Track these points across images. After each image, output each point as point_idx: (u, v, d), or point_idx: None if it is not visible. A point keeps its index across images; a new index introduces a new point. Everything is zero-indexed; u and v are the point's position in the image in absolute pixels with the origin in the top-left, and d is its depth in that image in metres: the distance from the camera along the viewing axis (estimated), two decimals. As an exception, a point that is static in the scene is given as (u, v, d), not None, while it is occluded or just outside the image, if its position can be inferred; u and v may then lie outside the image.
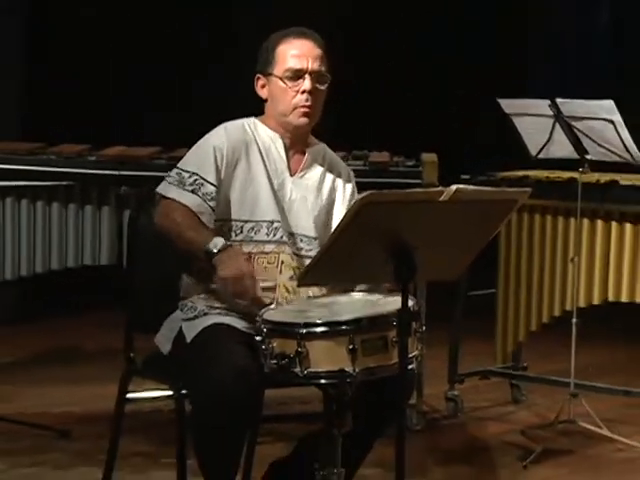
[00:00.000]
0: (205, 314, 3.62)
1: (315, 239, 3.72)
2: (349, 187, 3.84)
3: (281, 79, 3.69)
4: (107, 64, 7.97)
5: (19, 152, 5.10)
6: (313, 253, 3.63)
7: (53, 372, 5.83)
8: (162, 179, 3.75)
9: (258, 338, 3.30)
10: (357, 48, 8.45)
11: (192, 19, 8.50)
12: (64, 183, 4.95)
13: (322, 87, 3.71)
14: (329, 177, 3.81)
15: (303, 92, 3.66)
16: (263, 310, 3.40)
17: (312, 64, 3.68)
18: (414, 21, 8.69)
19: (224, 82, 7.81)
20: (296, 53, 3.69)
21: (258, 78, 3.76)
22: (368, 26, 8.79)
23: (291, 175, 3.75)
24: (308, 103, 3.67)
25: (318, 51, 3.72)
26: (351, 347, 3.22)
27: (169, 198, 3.63)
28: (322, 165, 3.81)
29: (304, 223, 3.73)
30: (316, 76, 3.69)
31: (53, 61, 7.73)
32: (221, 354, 3.41)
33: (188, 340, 3.59)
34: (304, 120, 3.70)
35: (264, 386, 3.59)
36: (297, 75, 3.67)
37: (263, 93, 3.76)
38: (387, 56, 8.59)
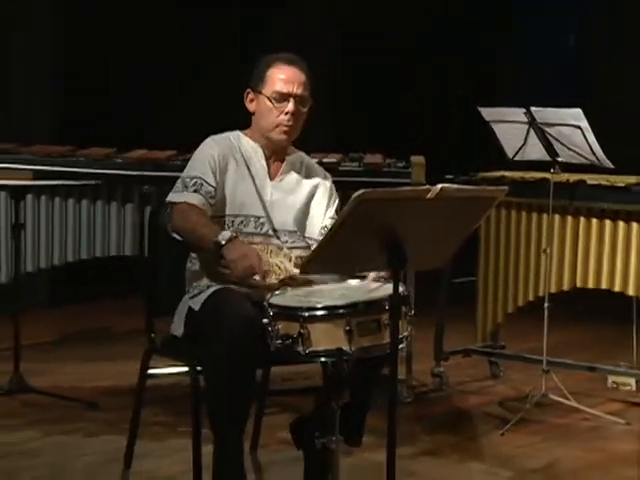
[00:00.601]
0: (208, 287, 3.65)
1: (295, 232, 3.80)
2: (327, 184, 3.90)
3: (268, 99, 3.74)
4: (127, 75, 7.77)
5: (52, 155, 5.12)
6: (295, 244, 3.76)
7: (82, 351, 5.81)
8: (178, 179, 3.78)
9: (265, 320, 3.30)
10: (355, 55, 8.36)
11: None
12: (92, 182, 4.95)
13: (304, 109, 3.77)
14: (307, 180, 3.87)
15: (287, 113, 3.72)
16: (269, 296, 3.38)
17: (297, 89, 3.73)
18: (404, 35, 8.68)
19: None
20: (284, 78, 3.73)
21: (248, 93, 3.80)
22: (365, 33, 8.67)
23: (271, 180, 3.81)
24: (290, 123, 3.73)
25: (303, 77, 3.77)
26: (348, 328, 3.21)
27: (178, 203, 3.67)
28: (300, 170, 3.87)
29: (284, 220, 3.78)
30: (299, 100, 3.74)
31: (82, 72, 7.55)
32: (228, 308, 3.45)
33: (197, 309, 3.61)
34: (283, 137, 3.76)
35: (270, 361, 3.61)
36: (283, 98, 3.72)
37: (251, 107, 3.81)
38: (382, 66, 8.46)
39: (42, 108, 7.19)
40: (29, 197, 4.96)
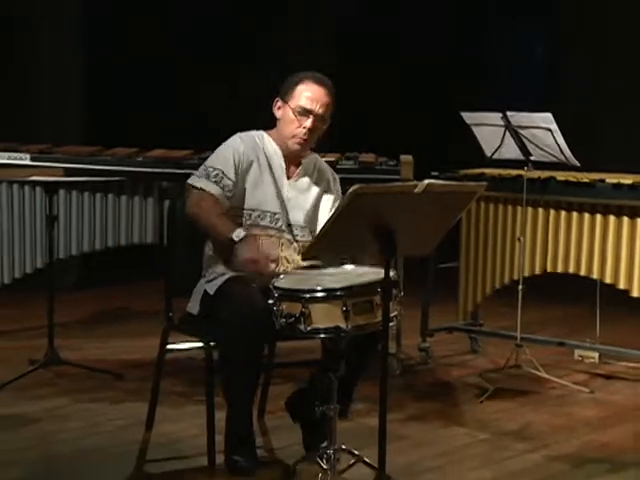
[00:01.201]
0: (223, 274, 3.64)
1: (305, 227, 3.77)
2: (335, 187, 3.88)
3: (292, 111, 3.69)
4: (151, 83, 7.73)
5: (82, 154, 5.10)
6: (305, 238, 3.73)
7: (108, 328, 5.82)
8: (202, 164, 3.77)
9: (270, 301, 3.30)
10: (351, 64, 8.26)
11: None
12: (117, 179, 4.95)
13: (321, 127, 3.72)
14: (318, 181, 3.85)
15: (305, 127, 3.68)
16: (274, 279, 3.39)
17: (319, 109, 3.69)
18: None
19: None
20: (310, 96, 3.69)
21: (277, 101, 3.77)
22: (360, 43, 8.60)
23: (288, 179, 3.78)
24: (305, 137, 3.70)
25: (327, 99, 3.71)
26: (344, 308, 3.21)
27: (198, 188, 3.64)
28: (313, 173, 3.84)
29: (297, 216, 3.76)
30: (319, 118, 3.70)
31: (109, 78, 7.53)
32: (240, 296, 3.45)
33: (212, 293, 3.61)
34: (297, 147, 3.74)
35: (276, 337, 3.61)
36: (305, 113, 3.68)
37: (277, 113, 3.77)
38: (376, 75, 8.39)
39: (72, 112, 7.16)
40: (61, 192, 4.95)
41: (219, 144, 3.78)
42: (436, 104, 7.58)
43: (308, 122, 3.67)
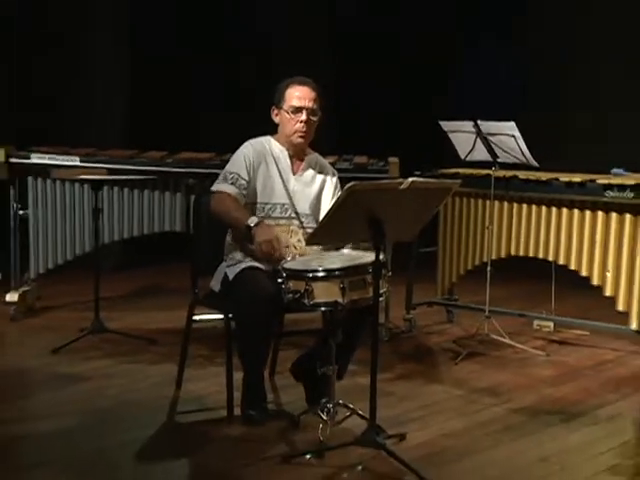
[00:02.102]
0: (240, 262, 3.62)
1: (310, 215, 3.74)
2: (334, 180, 3.84)
3: (287, 112, 3.67)
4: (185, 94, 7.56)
5: (122, 157, 5.08)
6: (310, 224, 3.69)
7: (145, 302, 5.81)
8: (216, 175, 3.77)
9: (279, 280, 3.29)
10: (346, 80, 8.10)
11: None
12: (151, 177, 4.92)
13: (314, 118, 3.70)
14: (320, 176, 3.81)
15: (301, 122, 3.66)
16: (283, 262, 3.39)
17: (308, 103, 3.67)
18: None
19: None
20: (298, 95, 3.68)
21: (273, 109, 3.74)
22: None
23: (293, 174, 3.74)
24: (304, 129, 3.67)
25: (313, 94, 3.69)
26: (342, 286, 3.22)
27: (218, 191, 3.64)
28: (315, 168, 3.80)
29: (303, 206, 3.73)
30: (310, 111, 3.67)
31: (146, 89, 7.33)
32: (254, 284, 3.43)
33: (231, 278, 3.59)
34: (301, 140, 3.70)
35: (284, 311, 3.59)
36: (298, 110, 3.66)
37: (276, 119, 3.75)
38: (371, 87, 8.21)
39: (114, 120, 7.12)
40: (105, 188, 4.92)
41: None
42: (418, 113, 7.51)
43: (303, 116, 3.64)
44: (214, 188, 3.67)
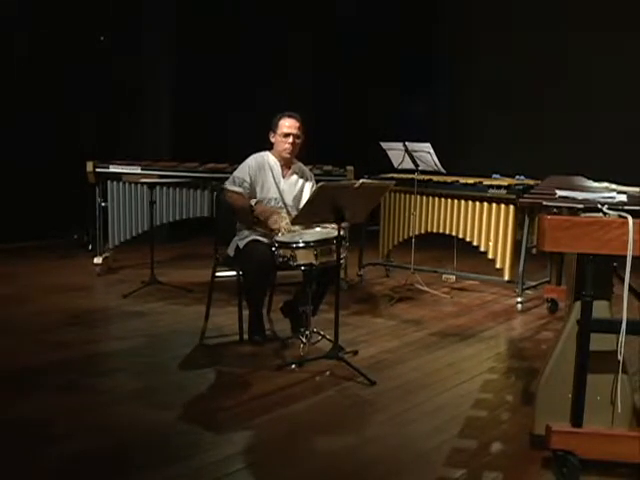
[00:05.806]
0: (247, 236, 3.54)
1: (294, 206, 3.63)
2: (312, 179, 3.75)
3: (279, 136, 3.59)
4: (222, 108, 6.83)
5: (168, 166, 4.94)
6: (294, 212, 3.57)
7: (185, 264, 5.67)
8: (232, 175, 3.64)
9: (273, 249, 3.24)
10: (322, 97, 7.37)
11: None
12: (187, 180, 4.81)
13: (298, 140, 3.62)
14: (301, 179, 3.71)
15: (289, 143, 3.57)
16: (275, 237, 3.32)
17: (294, 130, 3.58)
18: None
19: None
20: (287, 125, 3.58)
21: (270, 133, 3.65)
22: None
23: (283, 178, 3.65)
24: (290, 149, 3.58)
25: (298, 124, 3.60)
26: (315, 253, 3.17)
27: (230, 190, 3.56)
28: (298, 173, 3.71)
29: (289, 199, 3.64)
30: (295, 136, 3.59)
31: (188, 107, 6.57)
32: (257, 252, 3.36)
33: (240, 247, 3.52)
34: (288, 155, 3.61)
35: (276, 269, 3.52)
36: (287, 135, 3.58)
37: (272, 140, 3.65)
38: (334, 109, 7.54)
39: (162, 136, 6.85)
40: (157, 187, 4.79)
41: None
42: (367, 136, 7.39)
43: (290, 139, 3.57)
44: (227, 186, 3.58)
